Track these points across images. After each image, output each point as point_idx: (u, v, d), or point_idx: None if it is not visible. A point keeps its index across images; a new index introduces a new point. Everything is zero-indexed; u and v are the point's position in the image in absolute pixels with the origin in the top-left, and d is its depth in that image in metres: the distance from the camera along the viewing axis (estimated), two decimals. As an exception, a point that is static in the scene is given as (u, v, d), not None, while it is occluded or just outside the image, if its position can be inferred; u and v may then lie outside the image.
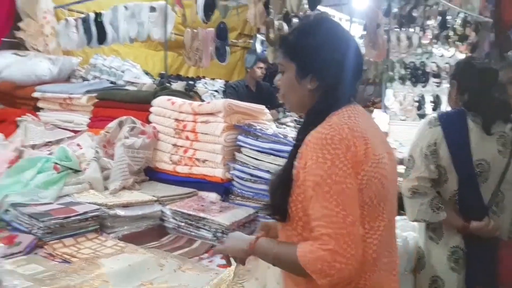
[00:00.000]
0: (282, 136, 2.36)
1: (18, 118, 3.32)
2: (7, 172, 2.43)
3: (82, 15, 4.09)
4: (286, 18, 3.63)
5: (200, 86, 5.35)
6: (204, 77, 6.01)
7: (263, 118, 2.74)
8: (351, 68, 1.25)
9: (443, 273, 2.09)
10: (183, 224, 2.17)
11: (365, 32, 4.57)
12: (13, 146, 2.79)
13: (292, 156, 1.21)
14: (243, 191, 2.41)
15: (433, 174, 2.05)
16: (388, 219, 1.22)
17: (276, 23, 3.60)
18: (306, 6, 3.30)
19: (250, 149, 2.40)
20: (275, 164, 2.25)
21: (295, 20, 3.66)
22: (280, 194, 1.21)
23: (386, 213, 1.21)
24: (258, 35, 3.57)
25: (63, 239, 1.88)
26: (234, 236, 1.40)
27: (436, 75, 5.50)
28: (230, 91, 4.41)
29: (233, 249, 1.35)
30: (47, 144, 3.07)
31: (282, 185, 1.21)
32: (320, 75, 1.24)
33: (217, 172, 2.47)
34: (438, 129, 2.05)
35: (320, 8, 4.12)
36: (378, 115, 4.60)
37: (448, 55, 5.38)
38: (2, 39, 4.52)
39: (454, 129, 2.05)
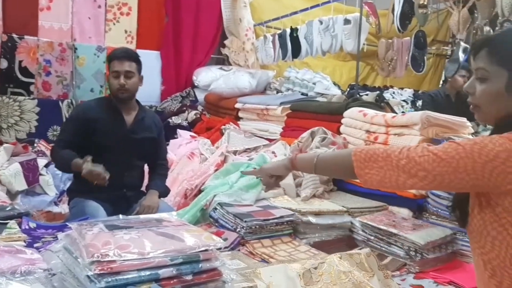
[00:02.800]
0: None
1: (223, 126, 3.74)
2: (215, 175, 2.75)
3: (279, 31, 4.38)
4: (493, 23, 3.30)
5: (387, 96, 5.21)
6: (392, 87, 5.84)
7: (464, 132, 2.52)
8: None
9: None
10: (372, 237, 2.13)
11: None
12: (219, 151, 3.15)
13: None
14: (439, 210, 2.26)
15: None
16: None
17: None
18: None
19: (449, 165, 2.23)
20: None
21: (506, 25, 3.30)
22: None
23: None
24: (461, 42, 3.31)
25: (262, 240, 2.03)
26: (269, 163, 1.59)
27: None
28: (427, 100, 4.19)
29: (273, 167, 1.49)
30: (246, 150, 3.38)
31: None
32: None
33: (410, 188, 2.37)
34: None
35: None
36: None
37: None
38: (211, 55, 5.19)
39: None
